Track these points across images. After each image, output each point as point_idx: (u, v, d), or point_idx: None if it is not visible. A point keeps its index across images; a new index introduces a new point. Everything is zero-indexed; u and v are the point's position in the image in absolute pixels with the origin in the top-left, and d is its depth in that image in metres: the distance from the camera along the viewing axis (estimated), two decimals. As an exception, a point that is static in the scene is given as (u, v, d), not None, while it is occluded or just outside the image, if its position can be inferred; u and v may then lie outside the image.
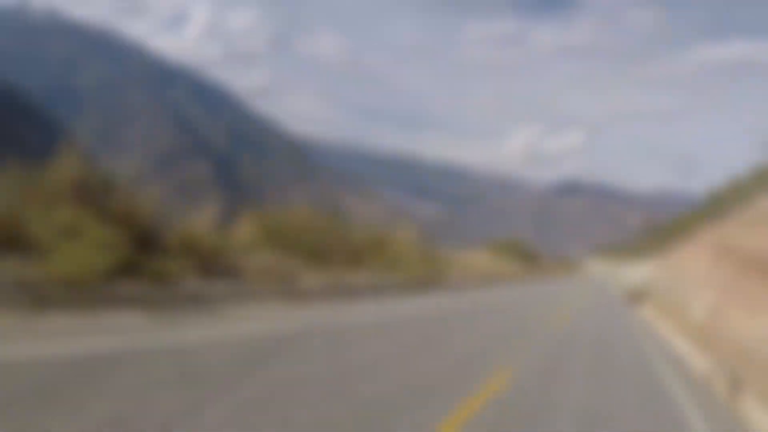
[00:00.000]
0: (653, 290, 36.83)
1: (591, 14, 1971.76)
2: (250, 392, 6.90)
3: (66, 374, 6.84)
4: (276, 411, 6.22)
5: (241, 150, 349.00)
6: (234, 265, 15.72)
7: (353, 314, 16.73)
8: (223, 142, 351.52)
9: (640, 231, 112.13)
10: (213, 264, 14.77)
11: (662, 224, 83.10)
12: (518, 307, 27.91)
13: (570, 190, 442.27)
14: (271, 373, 8.23)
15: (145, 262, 11.27)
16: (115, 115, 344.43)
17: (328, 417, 6.13)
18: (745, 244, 16.74)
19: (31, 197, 10.47)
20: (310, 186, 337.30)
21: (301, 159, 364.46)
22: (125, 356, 8.34)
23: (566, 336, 16.81)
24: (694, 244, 29.69)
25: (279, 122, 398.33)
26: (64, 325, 9.34)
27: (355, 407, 6.66)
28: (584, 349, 14.90)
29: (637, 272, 62.65)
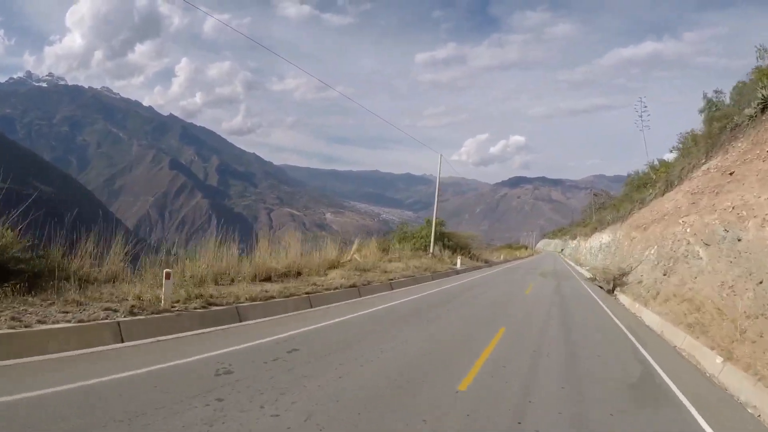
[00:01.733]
0: (625, 259, 21.96)
1: (519, 33, 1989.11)
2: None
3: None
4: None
5: (230, 183, 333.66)
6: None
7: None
8: (214, 177, 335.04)
9: (588, 207, 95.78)
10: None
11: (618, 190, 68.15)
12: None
13: (517, 184, 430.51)
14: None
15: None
16: (118, 165, 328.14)
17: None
18: None
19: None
20: (293, 205, 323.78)
21: (282, 184, 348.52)
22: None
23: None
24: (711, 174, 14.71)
25: (261, 154, 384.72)
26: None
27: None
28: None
29: (593, 242, 47.66)
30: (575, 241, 79.16)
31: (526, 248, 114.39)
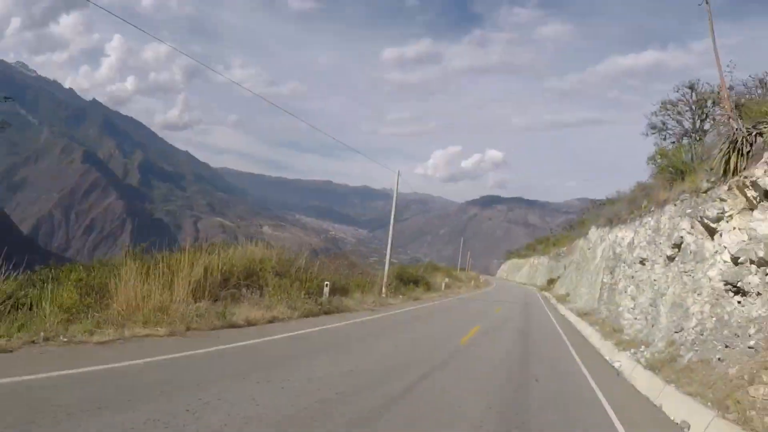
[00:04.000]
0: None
1: (503, 32, 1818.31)
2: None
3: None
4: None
5: (154, 183, 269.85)
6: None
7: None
8: (135, 176, 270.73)
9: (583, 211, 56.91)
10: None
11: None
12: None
13: (489, 204, 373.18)
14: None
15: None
16: (22, 153, 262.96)
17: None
18: None
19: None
20: (226, 214, 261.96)
21: (217, 190, 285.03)
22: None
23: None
24: None
25: (198, 155, 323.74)
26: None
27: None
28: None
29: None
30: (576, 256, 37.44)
31: (447, 277, 45.00)
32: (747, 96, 13.11)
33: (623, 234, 18.86)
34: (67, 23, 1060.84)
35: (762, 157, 7.33)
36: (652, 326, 11.77)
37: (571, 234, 54.59)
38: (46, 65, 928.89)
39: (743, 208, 7.83)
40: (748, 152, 7.84)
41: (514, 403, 6.89)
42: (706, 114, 17.23)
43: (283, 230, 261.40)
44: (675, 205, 12.36)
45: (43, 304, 7.16)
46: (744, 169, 7.81)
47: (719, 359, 7.12)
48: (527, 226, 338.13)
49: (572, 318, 23.49)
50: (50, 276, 8.26)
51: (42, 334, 6.49)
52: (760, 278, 6.98)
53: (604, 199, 37.33)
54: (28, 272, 8.59)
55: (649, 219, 14.97)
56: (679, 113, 18.26)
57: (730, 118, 9.24)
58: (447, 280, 42.21)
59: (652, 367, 8.94)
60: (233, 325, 9.85)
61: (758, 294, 6.92)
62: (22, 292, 7.41)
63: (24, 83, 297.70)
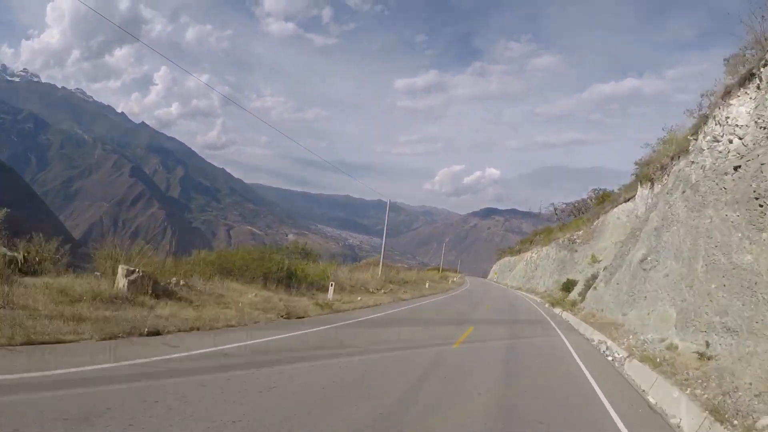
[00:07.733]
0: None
1: (500, 63, 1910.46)
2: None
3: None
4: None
5: (193, 196, 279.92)
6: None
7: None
8: (176, 189, 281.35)
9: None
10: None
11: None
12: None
13: (488, 215, 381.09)
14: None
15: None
16: (78, 167, 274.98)
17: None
18: None
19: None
20: (256, 223, 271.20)
21: (248, 202, 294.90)
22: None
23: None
24: None
25: (233, 172, 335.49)
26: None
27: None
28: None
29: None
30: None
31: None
32: None
33: None
34: (120, 55, 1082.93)
35: None
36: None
37: (583, 216, 40.60)
38: (102, 92, 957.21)
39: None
40: None
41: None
42: None
43: (306, 238, 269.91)
44: None
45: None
46: None
47: None
48: (522, 234, 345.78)
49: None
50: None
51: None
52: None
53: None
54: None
55: None
56: None
57: None
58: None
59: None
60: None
61: None
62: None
63: (82, 107, 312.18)
